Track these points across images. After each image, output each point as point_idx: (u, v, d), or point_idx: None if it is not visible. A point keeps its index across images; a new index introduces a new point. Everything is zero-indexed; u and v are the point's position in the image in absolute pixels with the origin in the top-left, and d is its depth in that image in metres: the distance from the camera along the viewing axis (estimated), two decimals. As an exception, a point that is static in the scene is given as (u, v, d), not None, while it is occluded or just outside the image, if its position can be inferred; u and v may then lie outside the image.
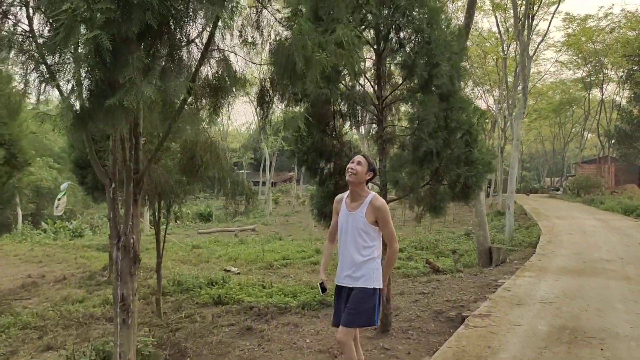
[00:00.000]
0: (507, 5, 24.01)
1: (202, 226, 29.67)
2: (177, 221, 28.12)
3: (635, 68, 35.47)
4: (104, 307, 8.67)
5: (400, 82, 6.51)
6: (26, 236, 22.66)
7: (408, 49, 6.01)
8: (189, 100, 3.69)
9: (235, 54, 3.85)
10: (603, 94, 40.56)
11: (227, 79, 3.84)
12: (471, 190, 6.24)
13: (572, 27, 32.45)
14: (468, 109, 6.25)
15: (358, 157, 3.88)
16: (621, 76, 38.54)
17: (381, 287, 3.85)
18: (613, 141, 42.67)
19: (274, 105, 4.52)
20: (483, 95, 36.02)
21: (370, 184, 4.06)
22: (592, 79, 38.87)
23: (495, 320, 6.06)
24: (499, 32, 24.95)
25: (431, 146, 5.73)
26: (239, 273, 12.39)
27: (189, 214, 32.44)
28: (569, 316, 6.27)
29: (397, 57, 6.22)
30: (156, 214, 8.03)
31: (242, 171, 52.21)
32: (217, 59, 3.84)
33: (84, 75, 2.62)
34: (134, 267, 3.63)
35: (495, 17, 24.93)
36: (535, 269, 9.57)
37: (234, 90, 3.98)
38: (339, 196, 4.09)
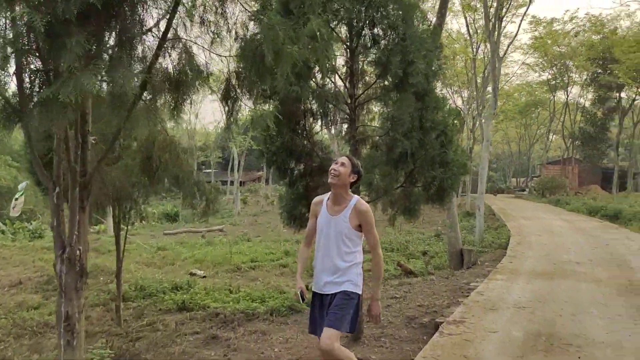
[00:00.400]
0: (477, 6, 24.16)
1: (168, 226, 28.92)
2: (142, 221, 27.30)
3: (599, 71, 36.30)
4: (60, 314, 8.20)
5: (374, 80, 6.28)
6: (-17, 237, 21.63)
7: (382, 46, 5.78)
8: (146, 95, 3.35)
9: (199, 45, 3.52)
10: (568, 96, 41.36)
11: (189, 72, 3.50)
12: (446, 193, 6.08)
13: (538, 30, 32.98)
14: (443, 108, 6.07)
15: (342, 159, 3.62)
16: (585, 79, 39.43)
17: (361, 293, 3.68)
18: (577, 142, 43.69)
19: (241, 102, 4.20)
20: (452, 96, 36.27)
21: None
22: (557, 81, 39.58)
23: (470, 327, 5.88)
24: (469, 32, 25.09)
25: (406, 147, 5.51)
26: (204, 276, 11.97)
27: (155, 213, 31.59)
28: (544, 321, 6.14)
29: (371, 54, 5.98)
30: (116, 216, 7.65)
31: (210, 170, 51.42)
32: (178, 51, 3.50)
33: (12, 62, 2.27)
34: (81, 281, 3.25)
35: (465, 18, 25.07)
36: (507, 272, 9.48)
37: (196, 84, 3.64)
38: (317, 198, 3.80)
